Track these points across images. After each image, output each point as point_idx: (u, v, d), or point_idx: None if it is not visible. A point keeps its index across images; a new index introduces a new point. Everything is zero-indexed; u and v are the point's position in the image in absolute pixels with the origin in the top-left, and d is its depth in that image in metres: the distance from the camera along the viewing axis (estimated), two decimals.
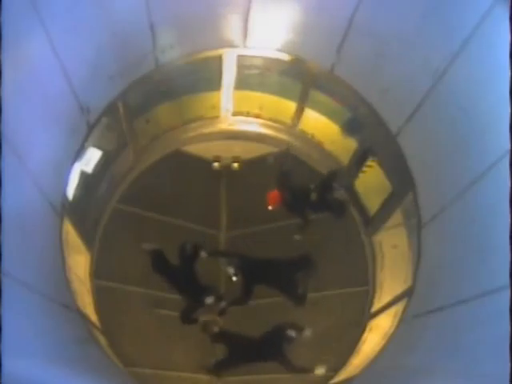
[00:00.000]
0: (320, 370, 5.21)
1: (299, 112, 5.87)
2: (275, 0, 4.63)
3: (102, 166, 5.25)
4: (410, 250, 4.88)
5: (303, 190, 5.65)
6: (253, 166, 5.98)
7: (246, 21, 4.83)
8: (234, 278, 5.40)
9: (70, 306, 4.44)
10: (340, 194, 5.78)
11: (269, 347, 5.21)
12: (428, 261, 4.51)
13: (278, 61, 5.29)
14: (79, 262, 5.08)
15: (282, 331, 5.18)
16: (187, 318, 5.27)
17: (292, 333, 5.16)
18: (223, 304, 5.32)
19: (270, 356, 5.21)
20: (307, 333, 5.21)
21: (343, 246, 5.67)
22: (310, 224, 5.64)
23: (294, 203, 5.65)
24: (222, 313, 5.31)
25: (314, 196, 5.61)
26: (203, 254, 5.42)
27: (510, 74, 3.01)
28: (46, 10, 3.63)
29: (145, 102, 5.45)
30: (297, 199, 5.65)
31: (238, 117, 6.09)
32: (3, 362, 2.55)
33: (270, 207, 5.61)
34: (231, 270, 5.39)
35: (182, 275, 5.35)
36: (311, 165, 5.89)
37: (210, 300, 5.23)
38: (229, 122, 6.10)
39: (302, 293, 5.34)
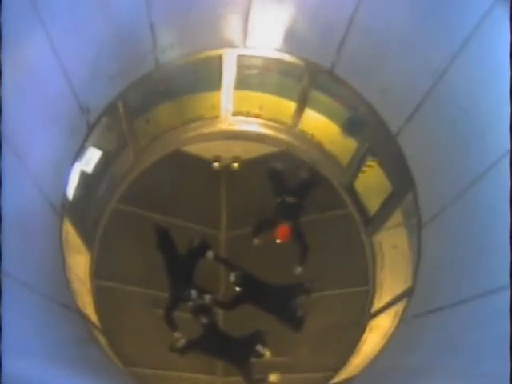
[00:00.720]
0: (274, 377, 5.21)
1: (299, 112, 5.87)
2: (275, 0, 4.63)
3: (102, 166, 5.25)
4: (410, 250, 4.88)
5: (283, 206, 5.58)
6: (253, 166, 5.98)
7: (245, 21, 4.83)
8: (237, 289, 5.37)
9: (70, 306, 4.44)
10: (303, 173, 5.75)
11: (237, 351, 5.22)
12: (428, 261, 4.51)
13: (277, 61, 5.29)
14: (79, 262, 5.08)
15: (253, 343, 5.19)
16: (169, 316, 5.26)
17: (260, 349, 5.17)
18: (207, 301, 5.30)
19: (234, 360, 5.23)
20: (267, 355, 5.22)
21: (343, 245, 5.67)
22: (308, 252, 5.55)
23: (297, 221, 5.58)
24: (204, 311, 5.27)
25: (290, 199, 5.56)
26: (209, 255, 5.43)
27: (510, 73, 3.01)
28: (46, 10, 3.63)
29: (145, 101, 5.45)
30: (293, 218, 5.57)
31: (238, 117, 6.08)
32: (3, 362, 2.55)
33: (278, 241, 5.53)
34: (233, 278, 5.39)
35: (181, 264, 5.36)
36: (311, 165, 5.89)
37: (194, 294, 5.21)
38: (229, 122, 6.10)
39: (299, 319, 5.31)
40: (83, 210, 5.12)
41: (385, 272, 5.43)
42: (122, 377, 4.75)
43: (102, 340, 4.91)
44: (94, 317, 5.05)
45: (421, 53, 4.10)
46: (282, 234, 5.49)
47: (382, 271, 5.46)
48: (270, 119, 6.07)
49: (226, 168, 5.97)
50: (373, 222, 5.62)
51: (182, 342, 5.22)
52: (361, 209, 5.75)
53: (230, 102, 5.93)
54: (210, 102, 5.88)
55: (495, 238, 3.35)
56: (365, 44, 4.48)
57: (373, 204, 5.60)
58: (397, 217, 5.19)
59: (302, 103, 5.76)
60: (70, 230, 4.76)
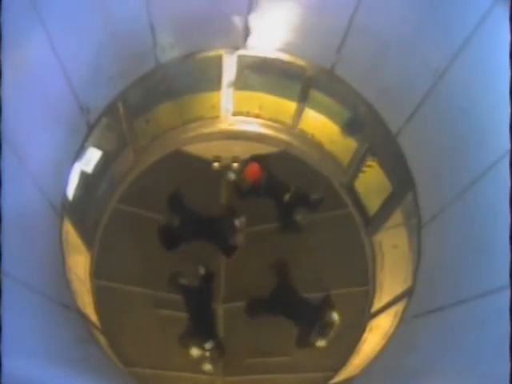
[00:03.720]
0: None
1: (299, 112, 5.87)
2: (275, 0, 4.63)
3: (102, 166, 5.24)
4: (410, 250, 4.88)
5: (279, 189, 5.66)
6: None
7: (245, 21, 4.83)
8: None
9: (70, 306, 4.43)
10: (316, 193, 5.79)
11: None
12: (428, 261, 4.51)
13: (278, 61, 5.29)
14: (79, 262, 5.08)
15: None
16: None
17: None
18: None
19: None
20: None
21: (343, 245, 5.67)
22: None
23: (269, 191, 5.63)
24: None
25: (287, 197, 5.63)
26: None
27: (510, 73, 3.01)
28: (46, 10, 3.62)
29: (145, 101, 5.45)
30: (272, 192, 5.62)
31: (238, 117, 6.08)
32: (3, 362, 2.55)
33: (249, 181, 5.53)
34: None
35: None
36: (311, 165, 5.89)
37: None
38: (229, 122, 6.10)
39: None
40: (83, 210, 5.12)
41: (385, 272, 5.43)
42: (122, 377, 4.75)
43: (102, 340, 4.90)
44: (94, 317, 5.05)
45: (421, 53, 4.10)
46: (250, 172, 5.52)
47: (382, 271, 5.46)
48: (270, 119, 6.07)
49: (226, 168, 5.98)
50: (373, 222, 5.62)
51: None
52: (361, 209, 5.75)
53: (230, 102, 5.93)
54: (210, 102, 5.88)
55: (495, 238, 3.34)
56: (365, 44, 4.48)
57: (373, 204, 5.60)
58: (397, 217, 5.18)
59: (302, 103, 5.76)
60: (70, 230, 4.76)
